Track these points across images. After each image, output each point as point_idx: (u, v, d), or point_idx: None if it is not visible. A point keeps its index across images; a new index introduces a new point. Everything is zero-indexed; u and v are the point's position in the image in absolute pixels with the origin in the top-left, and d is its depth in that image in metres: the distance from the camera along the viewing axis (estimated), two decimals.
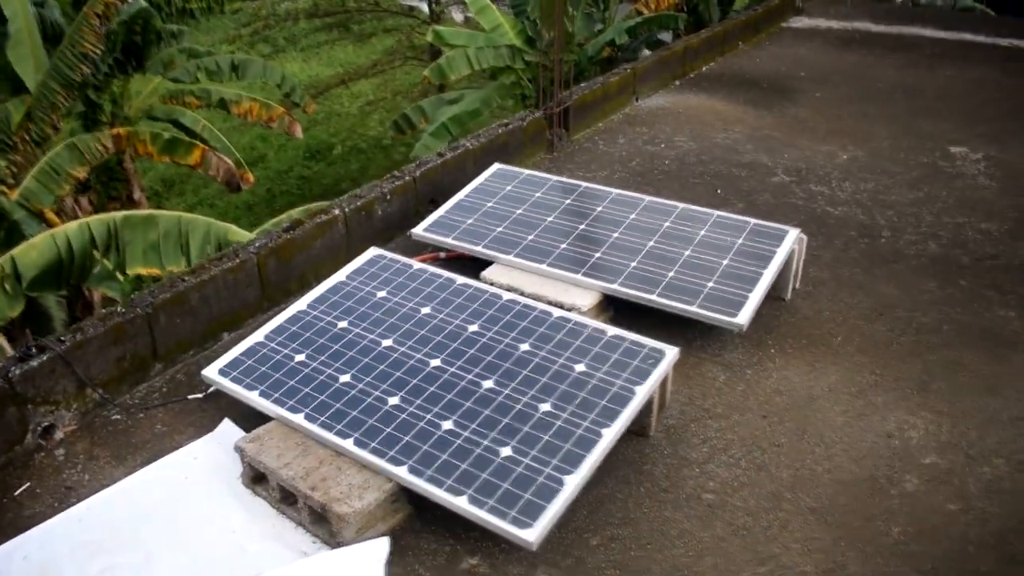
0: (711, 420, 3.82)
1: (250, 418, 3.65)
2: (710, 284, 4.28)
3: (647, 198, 5.00)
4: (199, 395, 4.00)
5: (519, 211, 4.98)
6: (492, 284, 4.52)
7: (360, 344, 3.81)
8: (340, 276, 4.28)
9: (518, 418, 3.37)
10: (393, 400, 3.50)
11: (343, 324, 3.95)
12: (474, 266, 4.73)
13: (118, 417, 3.89)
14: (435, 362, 3.67)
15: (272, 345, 3.87)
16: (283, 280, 4.69)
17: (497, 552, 3.15)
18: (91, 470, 3.58)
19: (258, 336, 3.93)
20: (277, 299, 4.70)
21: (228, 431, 3.71)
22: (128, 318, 3.98)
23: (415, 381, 3.58)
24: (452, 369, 3.63)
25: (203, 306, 4.29)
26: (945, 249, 5.17)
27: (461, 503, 3.07)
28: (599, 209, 4.93)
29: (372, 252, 4.45)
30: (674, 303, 4.20)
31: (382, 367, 3.67)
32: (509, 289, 4.47)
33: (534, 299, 4.37)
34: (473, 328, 3.85)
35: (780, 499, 3.42)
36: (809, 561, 3.14)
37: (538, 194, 5.13)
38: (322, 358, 3.76)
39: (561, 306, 4.33)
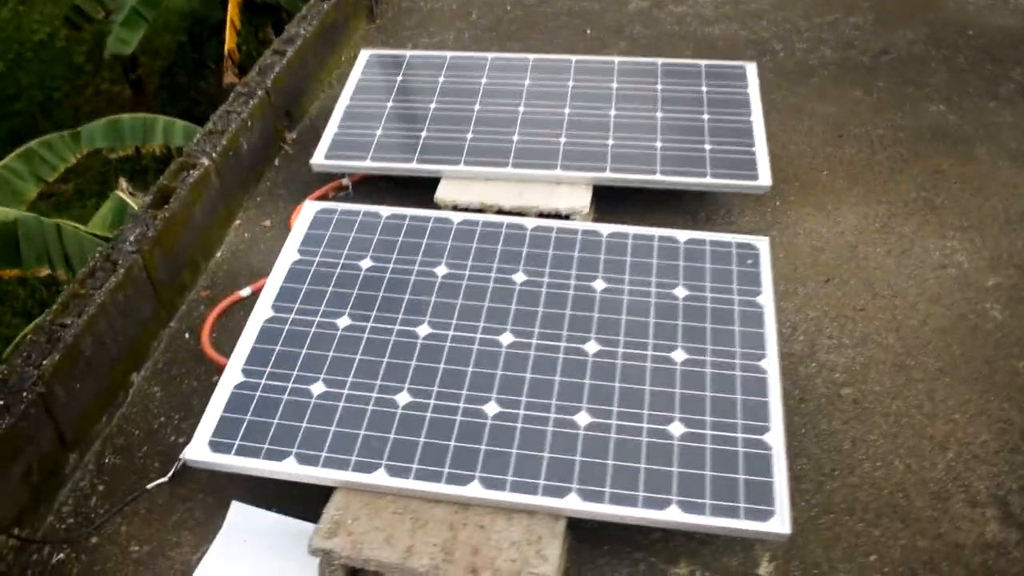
0: (783, 302, 3.37)
1: (255, 487, 2.59)
2: (707, 147, 3.70)
3: (571, 57, 4.19)
4: (163, 479, 2.77)
5: (430, 105, 3.94)
6: (458, 207, 3.57)
7: (382, 343, 2.79)
8: (290, 254, 3.09)
9: (658, 380, 2.66)
10: (490, 407, 2.60)
11: (342, 321, 2.86)
12: (398, 187, 3.73)
13: (62, 556, 2.58)
14: (505, 338, 2.78)
15: (263, 383, 2.71)
16: (173, 275, 3.35)
17: (699, 547, 2.54)
18: None
19: (232, 376, 2.73)
20: (175, 304, 3.37)
21: (245, 520, 2.61)
22: (18, 413, 2.56)
23: (499, 372, 2.69)
24: (533, 341, 2.78)
25: (99, 351, 2.91)
26: (840, 53, 4.98)
27: (672, 516, 2.37)
28: (519, 82, 4.04)
29: (312, 208, 3.25)
30: (683, 178, 3.58)
31: (439, 366, 2.71)
32: (483, 208, 3.56)
33: (519, 212, 3.53)
34: (518, 277, 2.96)
35: (906, 369, 3.12)
36: (980, 427, 2.90)
37: (440, 79, 4.09)
38: (349, 379, 2.70)
39: (558, 214, 3.53)
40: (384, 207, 3.22)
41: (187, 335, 3.29)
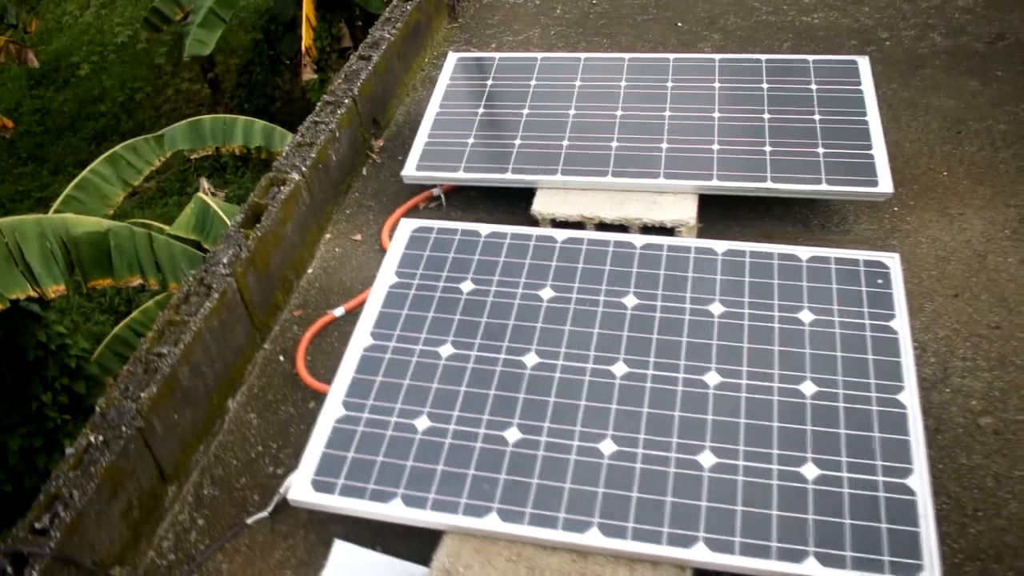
0: (909, 319, 3.12)
1: (358, 523, 2.48)
2: (821, 150, 3.45)
3: (669, 56, 3.96)
4: (263, 513, 2.68)
5: (522, 111, 3.77)
6: (556, 220, 3.41)
7: (488, 373, 2.64)
8: (387, 276, 2.96)
9: (787, 416, 2.46)
10: (606, 446, 2.44)
11: (445, 350, 2.73)
12: (491, 197, 3.59)
13: None
14: (618, 368, 2.61)
15: (365, 416, 2.59)
16: (266, 295, 3.27)
17: None
18: None
19: (333, 409, 2.62)
20: (269, 325, 3.29)
21: (349, 559, 2.50)
22: (118, 450, 2.50)
23: (614, 407, 2.52)
24: (648, 372, 2.60)
25: (196, 379, 2.84)
26: (951, 39, 4.64)
27: (811, 570, 2.18)
28: (615, 84, 3.84)
29: (407, 227, 3.12)
30: (797, 186, 3.34)
31: (549, 399, 2.56)
32: (582, 220, 3.38)
33: (620, 225, 3.35)
34: (629, 301, 2.78)
35: None
36: None
37: (531, 82, 3.91)
38: (455, 413, 2.56)
39: (663, 226, 3.34)
40: (483, 225, 3.07)
41: (281, 358, 3.20)
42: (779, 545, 2.22)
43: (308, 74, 9.59)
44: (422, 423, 2.54)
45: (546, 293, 2.82)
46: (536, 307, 2.79)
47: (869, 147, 3.44)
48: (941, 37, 4.67)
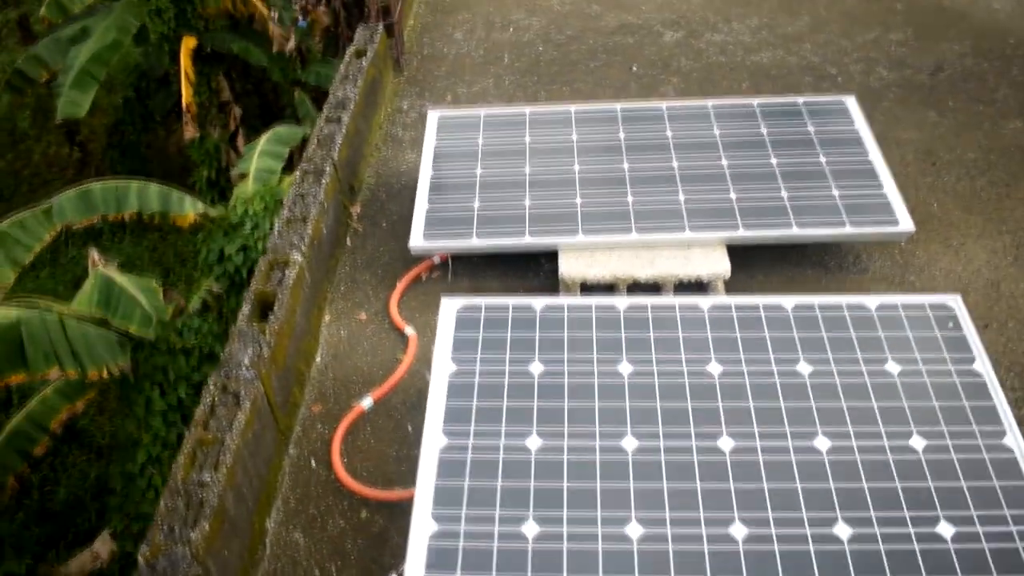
0: None
1: None
2: (835, 192, 3.44)
3: (661, 104, 3.87)
4: None
5: (524, 169, 3.58)
6: (587, 284, 3.22)
7: (587, 464, 2.40)
8: (444, 365, 2.66)
9: (906, 475, 2.36)
10: (737, 530, 2.25)
11: (532, 442, 2.46)
12: (501, 261, 3.39)
13: None
14: (724, 443, 2.44)
15: (464, 529, 2.29)
16: (286, 394, 2.90)
17: None
18: None
19: (424, 526, 2.30)
20: (290, 426, 2.91)
21: None
22: None
23: (732, 485, 2.34)
24: (756, 444, 2.44)
25: (240, 505, 2.45)
26: (896, 72, 4.82)
27: None
28: (613, 135, 3.70)
29: (452, 307, 2.83)
30: (822, 230, 3.31)
31: (660, 485, 2.35)
32: (615, 281, 3.21)
33: (655, 284, 3.21)
34: (713, 368, 2.62)
35: None
36: None
37: (526, 137, 3.72)
38: (563, 513, 2.30)
39: (699, 281, 3.22)
40: (536, 298, 2.83)
41: (313, 463, 2.83)
42: None
43: (190, 132, 8.99)
44: (530, 529, 2.27)
45: (624, 368, 2.62)
46: (618, 385, 2.58)
47: (880, 186, 3.46)
48: (886, 71, 4.84)
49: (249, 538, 2.51)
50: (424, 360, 3.15)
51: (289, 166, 8.36)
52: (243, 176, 7.87)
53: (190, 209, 7.18)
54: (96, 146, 9.94)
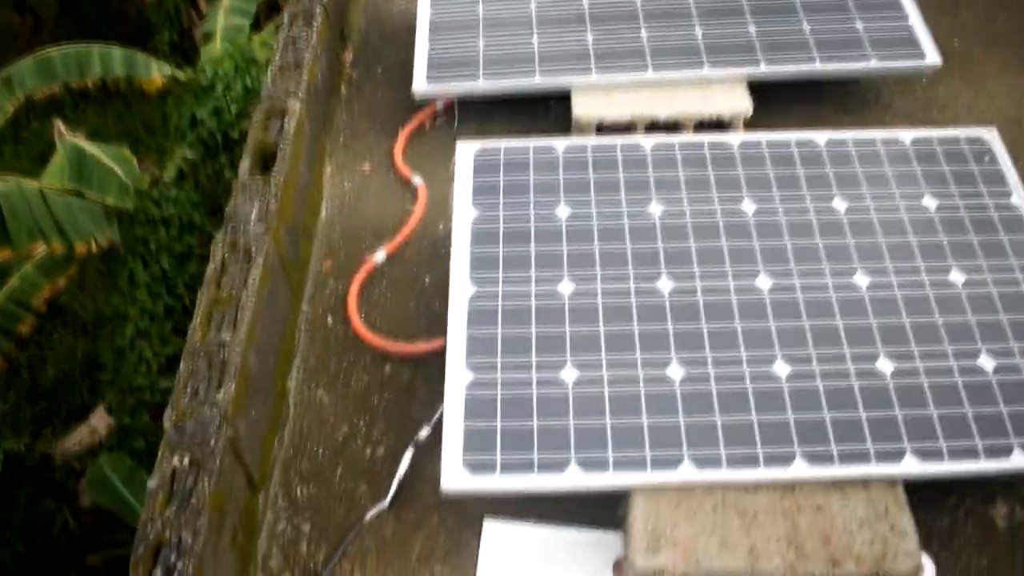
0: None
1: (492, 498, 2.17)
2: (859, 24, 3.26)
3: None
4: (381, 505, 2.28)
5: (530, 5, 3.34)
6: (603, 125, 3.06)
7: (623, 308, 2.32)
8: (465, 212, 2.52)
9: (946, 309, 2.31)
10: (780, 367, 2.21)
11: (564, 287, 2.36)
12: (507, 106, 3.22)
13: None
14: (762, 282, 2.36)
15: (500, 377, 2.21)
16: (295, 249, 2.76)
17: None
18: None
19: (459, 375, 2.22)
20: (301, 283, 2.80)
21: (505, 539, 2.19)
22: (215, 471, 2.02)
23: (772, 324, 2.28)
24: (795, 281, 2.36)
25: (263, 364, 2.35)
26: None
27: (1019, 462, 2.08)
28: None
29: (468, 151, 2.67)
30: (846, 64, 3.15)
31: (700, 325, 2.28)
32: (634, 122, 3.06)
33: (674, 124, 3.06)
34: (747, 207, 2.51)
35: None
36: None
37: None
38: (602, 358, 2.24)
39: (720, 121, 3.07)
40: (557, 139, 2.67)
41: (329, 319, 2.73)
42: (984, 443, 2.10)
43: None
44: (569, 374, 2.21)
45: (655, 209, 2.50)
46: (649, 226, 2.47)
47: (906, 18, 3.28)
48: None
49: (273, 398, 2.43)
50: (435, 210, 3.01)
51: (256, 24, 7.91)
52: (209, 36, 7.44)
53: (157, 72, 6.81)
54: (48, 13, 9.33)
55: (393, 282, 2.82)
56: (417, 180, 3.10)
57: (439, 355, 2.56)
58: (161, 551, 1.89)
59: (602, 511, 2.18)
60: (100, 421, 6.88)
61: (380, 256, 2.86)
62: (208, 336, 2.26)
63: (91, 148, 5.94)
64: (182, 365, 2.21)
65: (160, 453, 2.04)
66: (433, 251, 2.89)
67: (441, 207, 3.02)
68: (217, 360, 2.20)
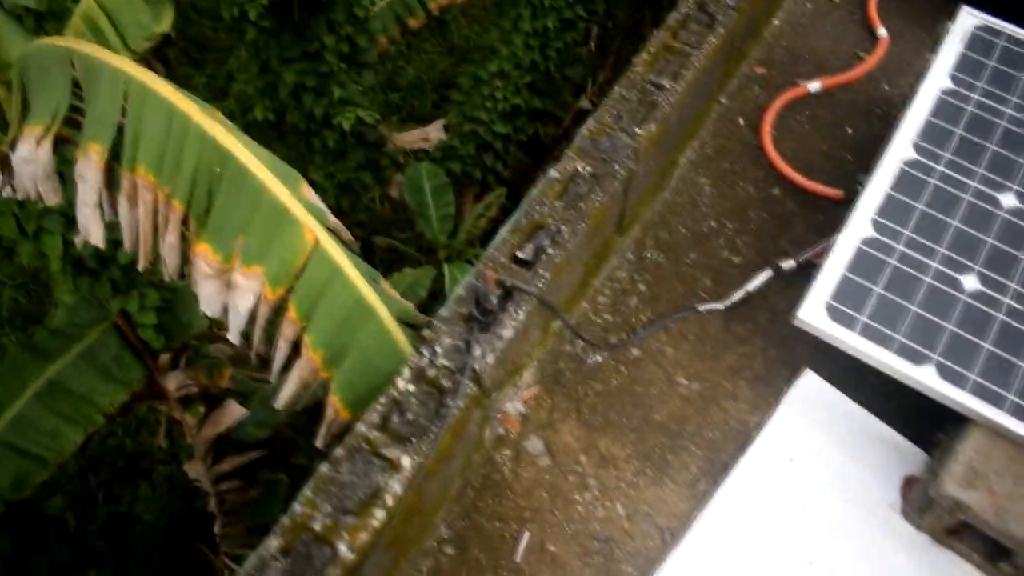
0: None
1: (829, 355, 2.08)
2: None
3: None
4: (718, 305, 2.31)
5: None
6: None
7: None
8: (938, 78, 2.32)
9: None
10: None
11: (1007, 199, 2.15)
12: None
13: (599, 360, 2.23)
14: None
15: (900, 249, 2.10)
16: (735, 41, 2.69)
17: None
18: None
19: (860, 227, 2.12)
20: (728, 73, 2.75)
21: (817, 397, 2.15)
22: (609, 190, 2.11)
23: None
24: None
25: (668, 130, 2.37)
26: None
27: None
28: None
29: (968, 23, 2.42)
30: None
31: None
32: None
33: None
34: None
35: None
36: None
37: None
38: (1012, 285, 2.05)
39: None
40: None
41: (741, 121, 2.69)
42: None
43: None
44: (969, 282, 2.05)
45: None
46: None
47: None
48: None
49: (661, 165, 2.46)
50: (887, 68, 2.80)
51: None
52: None
53: None
54: None
55: (815, 117, 2.71)
56: (882, 32, 2.88)
57: (831, 203, 2.48)
58: (538, 232, 2.03)
59: (912, 424, 2.08)
60: (435, 132, 7.41)
61: (814, 86, 2.73)
62: (648, 74, 2.30)
63: None
64: (615, 90, 2.28)
65: (569, 153, 2.16)
66: (867, 106, 2.72)
67: (894, 68, 2.81)
68: (648, 99, 2.25)
